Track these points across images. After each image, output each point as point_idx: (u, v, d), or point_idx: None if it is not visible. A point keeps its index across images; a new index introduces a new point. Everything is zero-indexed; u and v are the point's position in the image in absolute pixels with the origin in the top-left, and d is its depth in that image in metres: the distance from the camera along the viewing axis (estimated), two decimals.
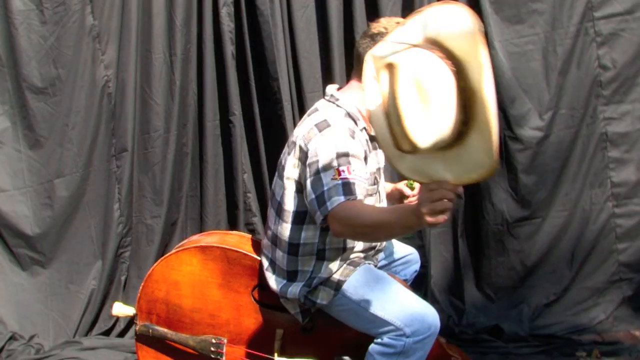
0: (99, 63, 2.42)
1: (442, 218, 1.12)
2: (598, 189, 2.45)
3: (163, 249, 2.54)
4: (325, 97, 1.63)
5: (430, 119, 1.03)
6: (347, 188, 1.41)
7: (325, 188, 1.42)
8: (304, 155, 1.51)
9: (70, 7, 2.36)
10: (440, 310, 2.13)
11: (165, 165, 2.50)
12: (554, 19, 2.35)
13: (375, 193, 1.63)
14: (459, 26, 1.02)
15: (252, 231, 2.51)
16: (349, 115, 1.55)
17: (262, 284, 1.71)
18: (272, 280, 1.64)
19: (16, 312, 2.44)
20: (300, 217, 1.56)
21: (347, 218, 1.37)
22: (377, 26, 1.56)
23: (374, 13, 2.39)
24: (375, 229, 1.34)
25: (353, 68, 1.64)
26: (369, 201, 1.58)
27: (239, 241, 1.83)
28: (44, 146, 2.43)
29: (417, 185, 1.71)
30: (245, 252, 1.74)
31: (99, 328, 2.50)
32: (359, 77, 1.53)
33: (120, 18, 2.41)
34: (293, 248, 1.58)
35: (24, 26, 2.35)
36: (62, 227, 2.47)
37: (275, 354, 1.68)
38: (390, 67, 1.05)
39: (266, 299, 1.72)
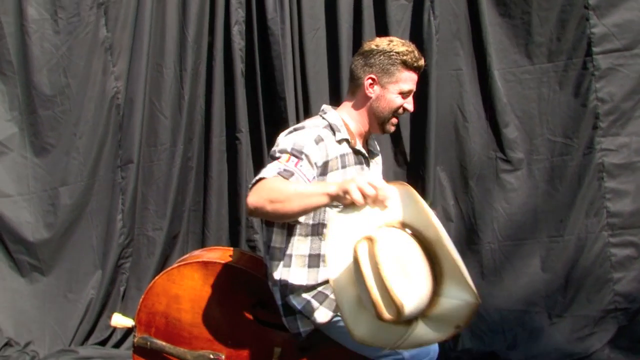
0: (109, 74, 2.46)
1: (360, 197, 1.13)
2: (594, 218, 2.48)
3: (164, 262, 2.55)
4: (319, 113, 1.68)
5: (409, 284, 1.10)
6: (285, 173, 1.38)
7: (267, 166, 1.41)
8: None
9: (84, 19, 2.40)
10: None
11: (169, 179, 2.52)
12: (551, 52, 2.42)
13: None
14: (410, 205, 1.17)
15: (253, 248, 2.52)
16: (330, 126, 1.58)
17: (262, 301, 1.73)
18: (277, 293, 1.63)
19: (13, 318, 2.44)
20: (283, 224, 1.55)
21: (264, 187, 1.31)
22: (370, 44, 1.62)
23: (383, 36, 2.44)
24: (288, 194, 1.27)
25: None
26: None
27: (240, 258, 1.84)
28: (50, 154, 2.46)
29: None
30: (246, 269, 1.75)
31: (96, 338, 2.50)
32: (352, 93, 1.63)
33: (133, 31, 2.45)
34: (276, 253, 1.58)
35: (37, 35, 2.39)
36: (63, 235, 2.48)
37: None
38: (370, 240, 1.12)
39: (265, 316, 1.72)
